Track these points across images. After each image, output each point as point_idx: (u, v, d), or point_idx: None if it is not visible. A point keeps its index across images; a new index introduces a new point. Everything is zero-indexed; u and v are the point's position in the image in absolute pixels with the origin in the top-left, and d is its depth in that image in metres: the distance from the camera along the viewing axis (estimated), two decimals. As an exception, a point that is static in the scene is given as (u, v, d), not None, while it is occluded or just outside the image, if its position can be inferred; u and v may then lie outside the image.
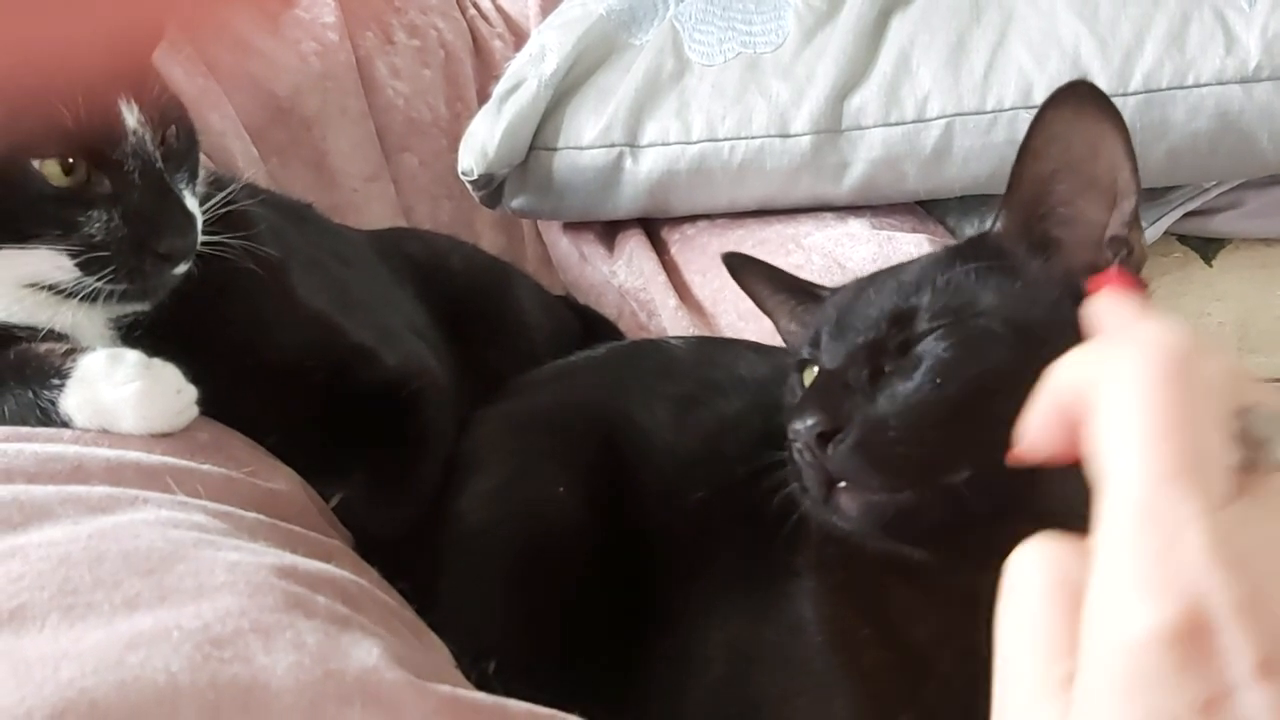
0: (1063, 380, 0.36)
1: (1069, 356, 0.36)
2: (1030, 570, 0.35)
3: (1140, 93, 1.01)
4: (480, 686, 0.51)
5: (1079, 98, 0.53)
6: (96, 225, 0.61)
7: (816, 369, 0.59)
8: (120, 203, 0.62)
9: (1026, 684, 0.33)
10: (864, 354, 0.55)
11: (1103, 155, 0.53)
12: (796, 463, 0.55)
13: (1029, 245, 0.57)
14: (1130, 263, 0.55)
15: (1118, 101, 0.99)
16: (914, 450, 0.51)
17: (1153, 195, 1.10)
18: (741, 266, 0.76)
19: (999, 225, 0.59)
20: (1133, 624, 0.30)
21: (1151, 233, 1.11)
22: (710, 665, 0.65)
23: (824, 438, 0.51)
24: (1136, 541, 0.31)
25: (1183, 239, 1.16)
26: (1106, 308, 0.39)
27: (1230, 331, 1.12)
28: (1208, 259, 1.15)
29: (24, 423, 0.61)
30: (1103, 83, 1.01)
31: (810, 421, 0.51)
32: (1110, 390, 0.33)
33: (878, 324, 0.56)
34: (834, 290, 0.67)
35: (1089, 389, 0.34)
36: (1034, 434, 0.37)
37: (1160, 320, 0.35)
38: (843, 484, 0.52)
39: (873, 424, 0.51)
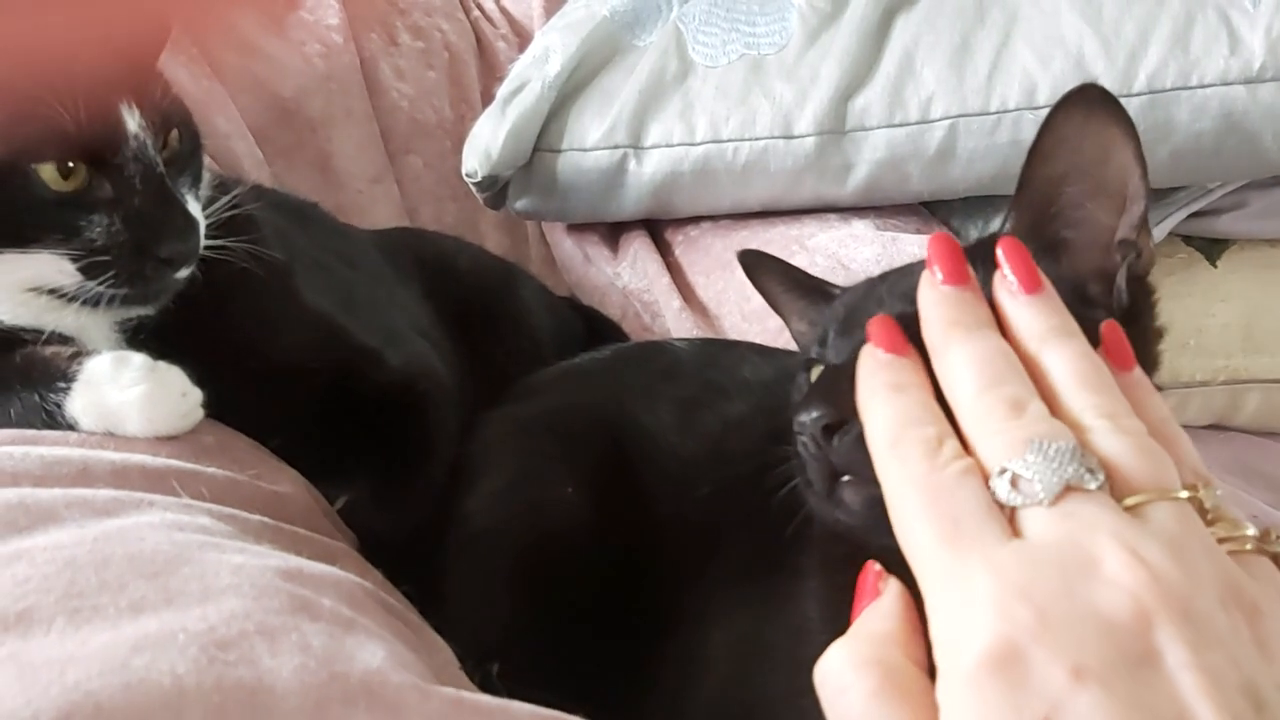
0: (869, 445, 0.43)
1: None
2: (851, 678, 0.38)
3: (1144, 94, 1.01)
4: (484, 688, 0.51)
5: (1089, 101, 0.52)
6: (97, 230, 0.61)
7: (823, 367, 0.59)
8: (121, 207, 0.62)
9: None
10: None
11: (1113, 159, 0.53)
12: (801, 456, 0.55)
13: (1037, 247, 0.57)
14: (1139, 267, 0.55)
15: (1122, 103, 0.99)
16: None
17: (1157, 196, 1.10)
18: (756, 264, 0.76)
19: (1007, 226, 0.59)
20: (960, 664, 0.34)
21: (1156, 233, 1.10)
22: (714, 666, 0.65)
23: (829, 430, 0.51)
24: (944, 598, 0.36)
25: (1187, 240, 1.15)
26: (923, 319, 0.45)
27: (1235, 333, 1.12)
28: (1212, 260, 1.14)
29: (30, 426, 0.61)
30: (1107, 83, 1.00)
31: (816, 414, 0.51)
32: (885, 486, 0.40)
33: None
34: (844, 289, 0.67)
35: (880, 472, 0.41)
36: None
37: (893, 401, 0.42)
38: (847, 478, 0.52)
39: None
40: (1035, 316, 0.43)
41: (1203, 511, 0.38)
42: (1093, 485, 0.36)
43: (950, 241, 0.45)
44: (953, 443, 0.39)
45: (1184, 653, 0.32)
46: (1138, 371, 0.44)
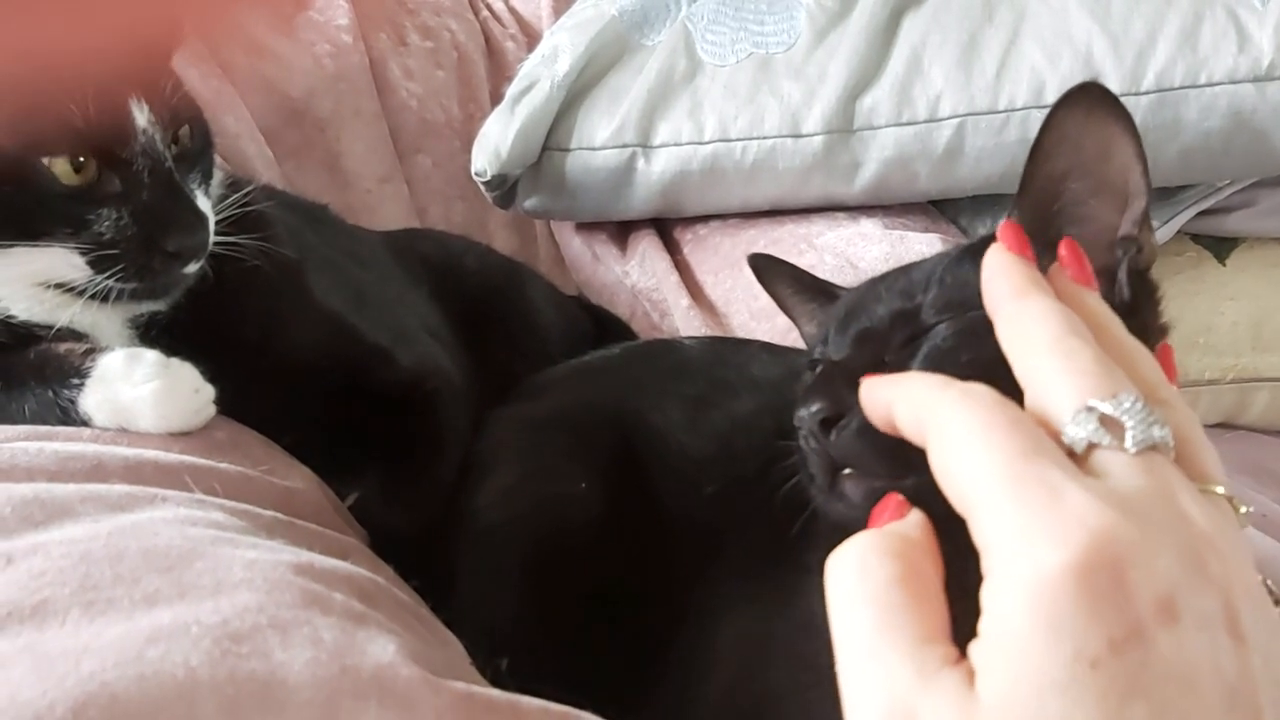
0: (900, 410, 0.41)
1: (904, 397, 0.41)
2: (875, 562, 0.36)
3: (1153, 92, 1.01)
4: (494, 683, 0.51)
5: (1090, 99, 0.53)
6: (106, 224, 0.62)
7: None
8: (130, 201, 0.62)
9: (902, 672, 0.34)
10: (868, 346, 0.56)
11: (1114, 157, 0.53)
12: (803, 450, 0.55)
13: (1041, 244, 0.57)
14: (1140, 261, 0.55)
15: (1130, 101, 1.00)
16: None
17: (1165, 194, 1.10)
18: (766, 268, 0.76)
19: None
20: (1041, 566, 0.32)
21: (1164, 232, 1.11)
22: (723, 662, 0.65)
23: (827, 424, 0.51)
24: (1019, 500, 0.33)
25: (1196, 238, 1.15)
26: (993, 272, 0.43)
27: (1244, 331, 1.12)
28: (1221, 258, 1.14)
29: (44, 421, 0.62)
30: (1115, 82, 1.01)
31: (814, 407, 0.52)
32: (942, 431, 0.37)
33: (882, 318, 0.57)
34: (849, 290, 0.68)
35: (925, 418, 0.39)
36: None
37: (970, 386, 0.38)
38: (847, 471, 0.52)
39: None
40: (1098, 304, 0.43)
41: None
42: (1171, 455, 0.36)
43: (1021, 230, 0.45)
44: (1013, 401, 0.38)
45: (1254, 630, 0.32)
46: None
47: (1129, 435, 0.35)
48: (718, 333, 1.08)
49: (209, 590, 0.46)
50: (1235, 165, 1.07)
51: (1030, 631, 0.31)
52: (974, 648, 0.33)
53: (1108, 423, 0.35)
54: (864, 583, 0.36)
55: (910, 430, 0.40)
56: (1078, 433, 0.36)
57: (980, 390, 0.37)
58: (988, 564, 0.34)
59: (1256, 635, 0.33)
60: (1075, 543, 0.32)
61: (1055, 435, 0.36)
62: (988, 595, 0.33)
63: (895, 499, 0.41)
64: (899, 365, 0.53)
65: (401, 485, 0.75)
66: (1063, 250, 0.46)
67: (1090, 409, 0.36)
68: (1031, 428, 0.36)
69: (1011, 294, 0.42)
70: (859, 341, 0.57)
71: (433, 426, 0.77)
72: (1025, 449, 0.34)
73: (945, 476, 0.37)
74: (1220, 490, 0.37)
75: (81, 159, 0.61)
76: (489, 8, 1.48)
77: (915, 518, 0.39)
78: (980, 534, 0.34)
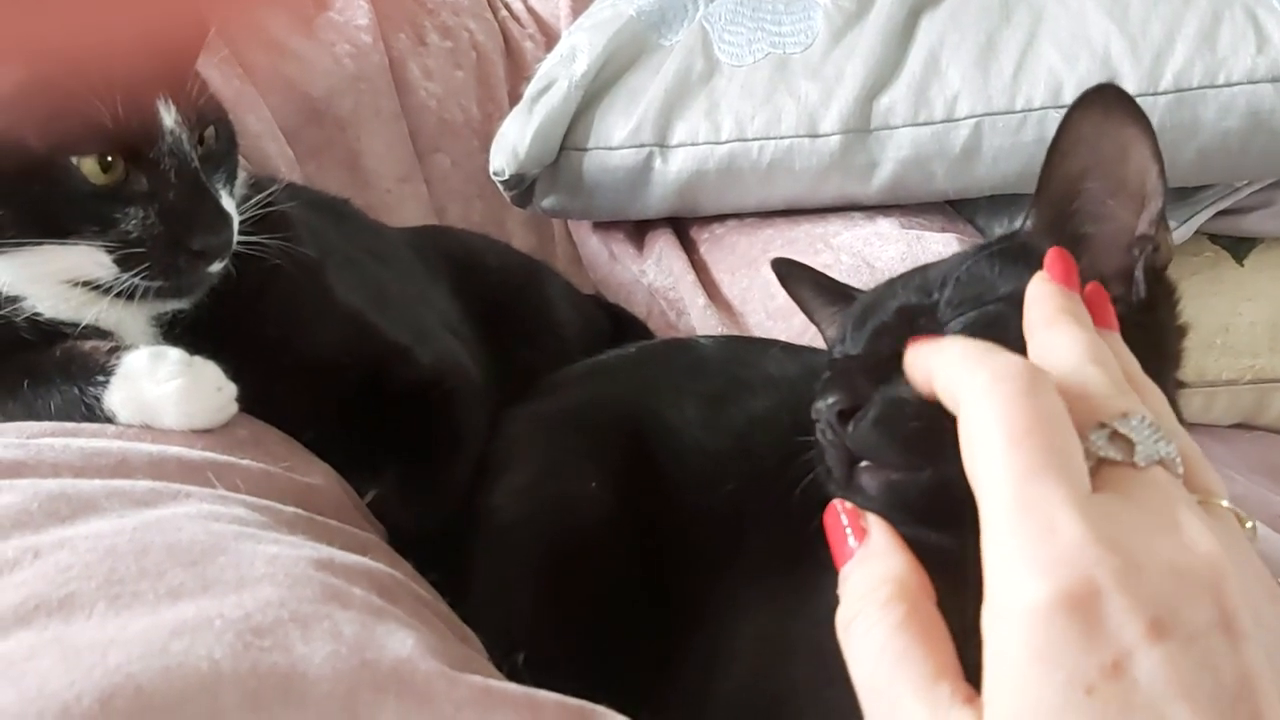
0: (939, 379, 0.42)
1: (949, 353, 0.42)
2: (876, 615, 0.38)
3: (1171, 92, 1.01)
4: (511, 678, 0.52)
5: (1106, 101, 0.53)
6: (133, 222, 0.63)
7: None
8: (156, 201, 0.63)
9: (918, 715, 0.35)
10: (885, 340, 0.56)
11: (1131, 158, 0.54)
12: (820, 443, 0.56)
13: (1058, 243, 0.58)
14: (1157, 260, 0.56)
15: (1148, 101, 1.00)
16: (932, 426, 0.51)
17: (1183, 194, 1.10)
18: (789, 273, 0.77)
19: (1029, 224, 0.59)
20: (1030, 598, 0.33)
21: (1183, 232, 1.11)
22: (740, 658, 0.65)
23: (844, 415, 0.52)
24: (1018, 528, 0.35)
25: (1214, 238, 1.15)
26: (1031, 300, 0.46)
27: (1262, 331, 1.11)
28: (1239, 258, 1.14)
29: (69, 418, 0.62)
30: (1133, 82, 1.01)
31: (831, 400, 0.52)
32: (970, 411, 0.39)
33: (899, 314, 0.57)
34: (867, 292, 0.68)
35: (955, 399, 0.40)
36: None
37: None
38: (864, 463, 0.52)
39: (891, 401, 0.52)
40: (1117, 345, 0.46)
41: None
42: (1179, 469, 0.38)
43: (1069, 258, 0.48)
44: (1050, 376, 0.40)
45: (1248, 625, 0.33)
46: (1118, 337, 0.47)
47: (1138, 450, 0.38)
48: (734, 331, 1.08)
49: (232, 585, 0.47)
50: (1253, 165, 1.07)
51: (1025, 662, 0.33)
52: (984, 681, 0.35)
53: (1118, 440, 0.38)
54: (869, 637, 0.38)
55: (947, 402, 0.42)
56: (1091, 448, 0.38)
57: (1014, 373, 0.38)
58: (987, 586, 0.35)
59: (1259, 630, 0.34)
60: (1061, 575, 0.33)
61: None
62: (986, 622, 0.35)
63: (840, 516, 0.43)
64: None
65: (420, 483, 0.75)
66: (1087, 294, 0.48)
67: (1103, 425, 0.38)
68: (1054, 428, 0.37)
69: (1043, 321, 0.45)
70: (875, 337, 0.58)
71: (451, 424, 0.78)
72: (1036, 465, 0.36)
73: (967, 463, 0.38)
74: (1225, 504, 0.39)
75: (110, 158, 0.62)
76: (507, 7, 1.48)
77: (883, 539, 0.42)
78: (985, 548, 0.36)
